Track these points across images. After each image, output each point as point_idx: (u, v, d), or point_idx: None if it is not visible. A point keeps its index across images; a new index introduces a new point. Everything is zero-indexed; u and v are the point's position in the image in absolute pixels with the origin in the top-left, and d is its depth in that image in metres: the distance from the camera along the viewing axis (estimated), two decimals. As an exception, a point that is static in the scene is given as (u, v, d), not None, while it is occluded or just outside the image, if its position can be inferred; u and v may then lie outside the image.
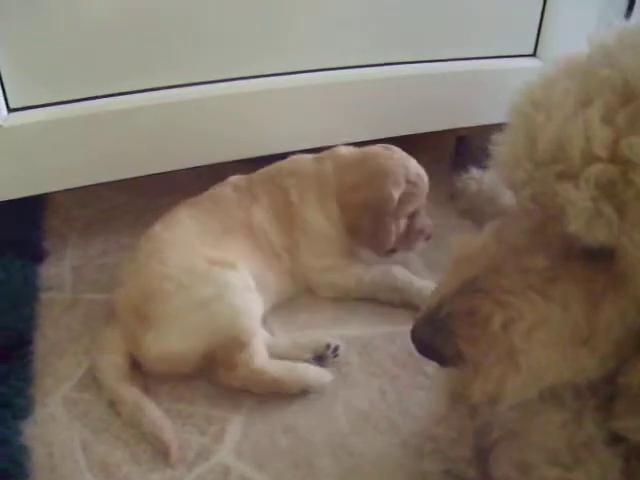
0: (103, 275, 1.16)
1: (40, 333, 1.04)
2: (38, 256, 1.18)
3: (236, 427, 0.91)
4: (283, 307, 1.08)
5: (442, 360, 0.56)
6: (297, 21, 1.08)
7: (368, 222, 1.06)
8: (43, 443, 0.88)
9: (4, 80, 0.97)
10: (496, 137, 0.57)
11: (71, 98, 1.03)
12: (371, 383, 0.96)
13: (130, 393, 0.90)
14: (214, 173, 1.17)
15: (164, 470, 0.86)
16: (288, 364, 0.93)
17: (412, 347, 0.57)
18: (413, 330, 0.57)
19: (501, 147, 0.55)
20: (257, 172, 1.12)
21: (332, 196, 1.08)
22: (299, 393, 0.93)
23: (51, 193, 1.14)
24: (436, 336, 0.55)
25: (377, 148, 1.12)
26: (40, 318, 1.07)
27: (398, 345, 1.02)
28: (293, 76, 1.11)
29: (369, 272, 1.08)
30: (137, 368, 0.94)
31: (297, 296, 1.11)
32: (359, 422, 0.90)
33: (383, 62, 1.16)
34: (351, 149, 1.13)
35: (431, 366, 0.92)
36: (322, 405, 0.92)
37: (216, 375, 0.93)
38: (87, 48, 1.00)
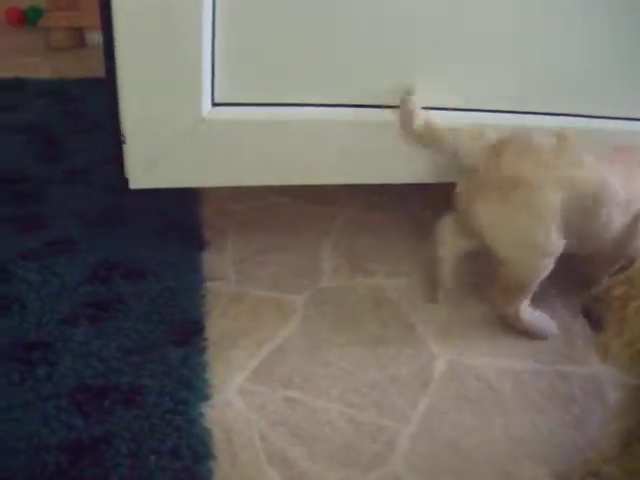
0: (264, 272, 1.25)
1: (210, 321, 1.12)
2: (201, 245, 1.27)
3: (405, 439, 0.99)
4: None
5: (592, 321, 0.81)
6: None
7: None
8: (222, 428, 0.96)
9: (216, 75, 1.07)
10: None
11: (270, 101, 1.11)
12: (522, 414, 1.04)
13: None
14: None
15: (339, 470, 0.93)
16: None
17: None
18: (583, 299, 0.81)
19: None
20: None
21: None
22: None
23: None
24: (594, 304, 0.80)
25: None
26: (209, 305, 1.15)
27: (545, 382, 1.09)
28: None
29: None
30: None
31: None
32: (515, 448, 0.98)
33: None
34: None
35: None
36: (483, 427, 1.01)
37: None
38: (298, 57, 1.11)
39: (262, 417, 0.98)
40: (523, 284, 1.10)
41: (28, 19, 2.59)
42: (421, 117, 1.09)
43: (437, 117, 1.12)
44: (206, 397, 0.97)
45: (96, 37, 2.37)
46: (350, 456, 0.94)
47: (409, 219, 1.42)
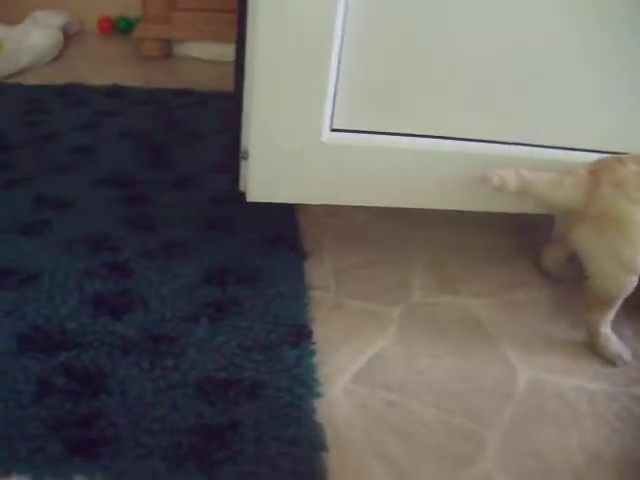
0: (360, 284, 1.38)
1: (314, 327, 1.25)
2: (302, 255, 1.41)
3: (492, 443, 1.10)
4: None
5: None
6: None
7: None
8: (330, 424, 1.09)
9: (337, 102, 1.21)
10: None
11: (384, 130, 1.24)
12: (598, 430, 1.15)
13: None
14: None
15: (435, 466, 1.06)
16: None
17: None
18: None
19: None
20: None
21: None
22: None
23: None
24: None
25: None
26: (312, 312, 1.28)
27: (619, 403, 1.21)
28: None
29: None
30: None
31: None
32: (591, 461, 1.09)
33: None
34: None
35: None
36: (561, 439, 1.13)
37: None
38: (414, 92, 1.24)
39: (365, 416, 1.09)
40: (609, 298, 1.22)
41: (118, 28, 2.75)
42: (513, 181, 1.22)
43: (526, 172, 1.23)
44: (317, 395, 1.08)
45: (184, 49, 2.51)
46: (444, 455, 1.06)
47: (489, 243, 1.54)
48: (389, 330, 1.27)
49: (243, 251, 1.37)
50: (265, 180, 1.22)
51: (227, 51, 2.49)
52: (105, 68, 2.48)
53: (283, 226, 1.45)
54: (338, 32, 1.12)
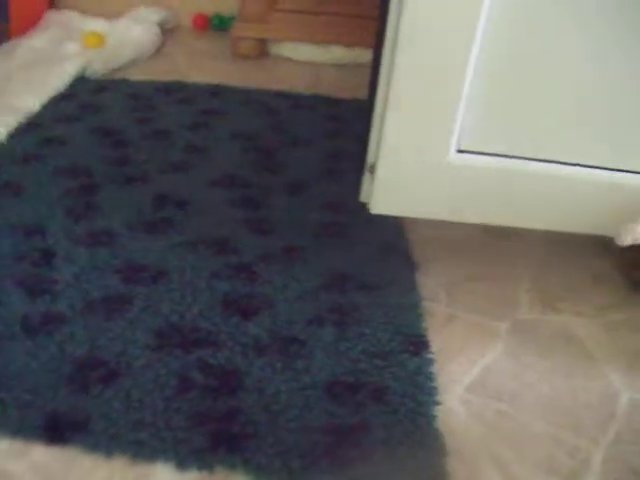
0: (469, 298, 1.46)
1: (429, 337, 1.33)
2: (413, 266, 1.49)
3: (597, 459, 1.17)
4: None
5: None
6: None
7: None
8: (448, 430, 1.17)
9: (464, 123, 1.29)
10: None
11: (509, 154, 1.32)
12: None
13: None
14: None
15: (544, 477, 1.12)
16: None
17: None
18: None
19: None
20: None
21: None
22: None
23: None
24: None
25: None
26: (426, 323, 1.37)
27: None
28: None
29: None
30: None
31: None
32: None
33: None
34: None
35: None
36: None
37: None
38: (541, 117, 1.30)
39: (479, 424, 1.17)
40: None
41: (212, 25, 2.85)
42: None
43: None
44: (437, 402, 1.17)
45: (279, 49, 2.61)
46: (552, 467, 1.13)
47: (587, 262, 1.62)
48: (498, 343, 1.34)
49: (358, 259, 1.46)
50: (390, 194, 1.31)
51: (321, 53, 2.59)
52: (204, 65, 2.59)
53: (393, 235, 1.53)
54: (473, 59, 1.19)
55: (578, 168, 1.32)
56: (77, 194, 1.65)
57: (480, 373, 1.27)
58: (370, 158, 1.32)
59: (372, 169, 1.30)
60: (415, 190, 1.29)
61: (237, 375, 1.16)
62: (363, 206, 1.35)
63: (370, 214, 1.39)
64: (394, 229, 1.54)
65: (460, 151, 1.28)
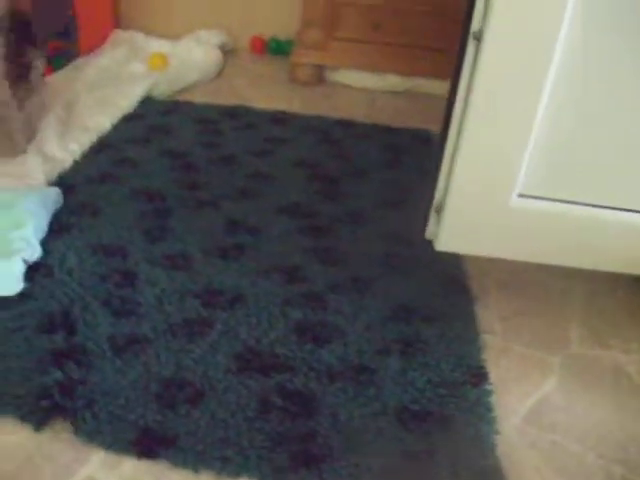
0: (523, 331, 1.56)
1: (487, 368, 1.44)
2: (470, 299, 1.60)
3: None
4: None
5: None
6: None
7: None
8: (507, 459, 1.28)
9: (527, 170, 1.40)
10: None
11: (569, 199, 1.43)
12: None
13: None
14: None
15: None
16: None
17: None
18: None
19: None
20: None
21: None
22: None
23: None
24: None
25: None
26: (484, 354, 1.48)
27: None
28: None
29: None
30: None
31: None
32: None
33: None
34: None
35: None
36: None
37: None
38: (603, 165, 1.40)
39: (535, 453, 1.27)
40: None
41: (269, 48, 2.98)
42: None
43: None
44: (496, 432, 1.28)
45: (336, 75, 2.73)
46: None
47: (632, 299, 1.72)
48: (551, 377, 1.45)
49: (420, 290, 1.57)
50: (455, 233, 1.41)
51: (376, 80, 2.72)
52: (263, 89, 2.73)
53: (453, 267, 1.64)
54: (541, 110, 1.30)
55: (633, 214, 1.40)
56: (152, 216, 1.77)
57: (535, 405, 1.37)
58: (437, 199, 1.42)
59: (439, 209, 1.41)
60: (478, 230, 1.40)
61: (313, 399, 1.26)
62: (428, 242, 1.45)
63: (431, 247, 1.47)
64: (454, 261, 1.64)
65: (521, 195, 1.37)
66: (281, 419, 1.22)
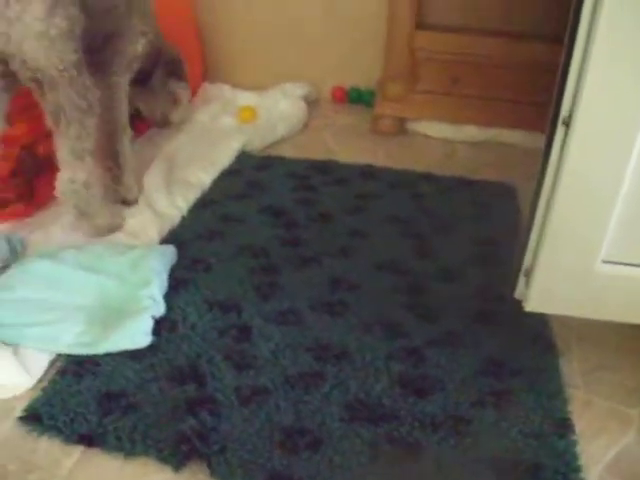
0: (604, 385, 1.75)
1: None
2: (556, 354, 1.80)
3: None
4: None
5: None
6: None
7: None
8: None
9: (611, 237, 1.60)
10: None
11: None
12: None
13: None
14: None
15: None
16: None
17: None
18: None
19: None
20: None
21: None
22: None
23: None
24: None
25: None
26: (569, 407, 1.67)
27: None
28: None
29: None
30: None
31: None
32: None
33: None
34: None
35: None
36: None
37: None
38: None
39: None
40: None
41: (350, 98, 3.23)
42: None
43: None
44: (582, 480, 1.46)
45: (416, 126, 2.95)
46: None
47: None
48: (631, 429, 1.63)
49: (509, 345, 1.75)
50: (543, 295, 1.61)
51: (455, 130, 2.94)
52: (348, 142, 2.96)
53: (538, 324, 1.82)
54: (626, 183, 1.46)
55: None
56: (260, 273, 1.99)
57: (616, 456, 1.55)
58: (526, 264, 1.63)
59: (527, 274, 1.62)
60: (565, 293, 1.59)
61: (418, 447, 1.45)
62: (517, 302, 1.67)
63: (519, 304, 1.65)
64: (539, 317, 1.82)
65: (606, 261, 1.58)
66: (390, 465, 1.41)
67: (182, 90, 2.62)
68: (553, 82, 1.44)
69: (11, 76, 1.83)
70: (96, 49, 1.99)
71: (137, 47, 2.21)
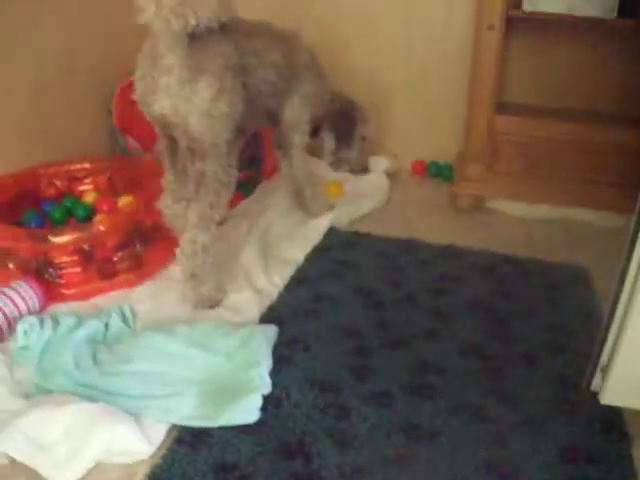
0: None
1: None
2: (629, 442, 2.01)
3: None
4: None
5: None
6: None
7: None
8: None
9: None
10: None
11: None
12: None
13: None
14: None
15: None
16: None
17: None
18: None
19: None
20: None
21: None
22: None
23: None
24: None
25: None
26: None
27: None
28: None
29: None
30: None
31: None
32: None
33: None
34: None
35: None
36: None
37: None
38: None
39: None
40: None
41: (429, 171, 3.48)
42: None
43: None
44: None
45: (494, 204, 3.19)
46: None
47: None
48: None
49: (583, 433, 1.92)
50: (619, 392, 1.83)
51: (531, 209, 3.16)
52: (430, 219, 3.18)
53: (611, 412, 2.02)
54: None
55: None
56: (355, 354, 2.20)
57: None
58: (603, 361, 1.86)
59: (604, 370, 1.85)
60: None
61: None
62: (593, 395, 1.89)
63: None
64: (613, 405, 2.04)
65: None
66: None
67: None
68: (631, 163, 1.64)
69: (174, 142, 2.14)
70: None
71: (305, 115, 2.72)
